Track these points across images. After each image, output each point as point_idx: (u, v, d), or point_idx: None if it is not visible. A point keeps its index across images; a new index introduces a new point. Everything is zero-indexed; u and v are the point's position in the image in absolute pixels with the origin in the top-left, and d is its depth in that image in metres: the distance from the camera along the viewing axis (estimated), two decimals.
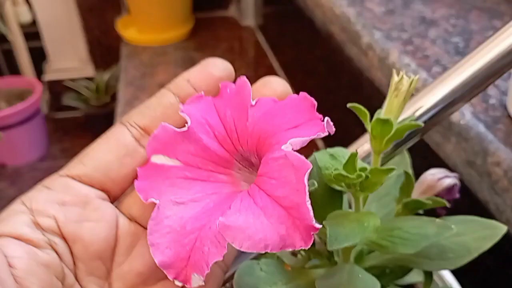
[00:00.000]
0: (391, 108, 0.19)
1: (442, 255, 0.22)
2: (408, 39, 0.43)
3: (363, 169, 0.18)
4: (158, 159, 0.18)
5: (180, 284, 0.16)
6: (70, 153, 1.43)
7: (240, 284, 0.21)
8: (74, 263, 0.17)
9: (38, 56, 1.46)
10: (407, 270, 0.26)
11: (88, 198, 0.17)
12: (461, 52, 0.41)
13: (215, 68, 0.19)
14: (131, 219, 0.18)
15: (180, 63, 1.07)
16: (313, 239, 0.15)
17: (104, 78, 1.37)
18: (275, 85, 0.18)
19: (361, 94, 0.74)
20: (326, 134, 0.15)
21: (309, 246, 0.15)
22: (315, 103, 0.16)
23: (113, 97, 1.33)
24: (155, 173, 0.18)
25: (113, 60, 1.33)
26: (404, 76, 0.19)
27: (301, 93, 0.17)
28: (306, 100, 0.16)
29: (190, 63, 1.06)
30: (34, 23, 1.39)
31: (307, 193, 0.14)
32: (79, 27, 1.37)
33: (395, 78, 0.19)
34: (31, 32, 1.41)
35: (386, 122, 0.18)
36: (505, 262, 0.36)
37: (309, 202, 0.14)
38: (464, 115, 0.33)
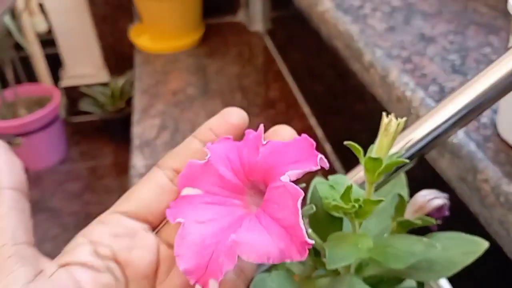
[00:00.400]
0: (382, 146, 0.23)
1: (431, 268, 0.26)
2: (408, 57, 0.46)
3: (356, 200, 0.22)
4: (186, 191, 0.22)
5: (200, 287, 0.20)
6: (88, 156, 1.48)
7: None
8: (127, 283, 0.21)
9: (55, 63, 1.52)
10: (402, 279, 0.29)
11: (135, 230, 0.21)
12: (457, 70, 0.43)
13: (232, 116, 0.22)
14: (168, 245, 0.22)
15: (192, 70, 1.11)
16: (307, 252, 0.18)
17: (119, 84, 1.42)
18: (282, 134, 0.22)
19: (365, 101, 0.77)
20: (319, 168, 0.19)
21: (305, 258, 0.18)
22: (314, 143, 0.20)
23: (128, 102, 1.38)
24: (182, 202, 0.22)
25: (126, 66, 1.38)
26: (393, 118, 0.22)
27: (302, 134, 0.21)
28: (306, 141, 0.20)
29: (202, 69, 1.10)
30: (50, 31, 1.44)
31: (300, 215, 0.18)
32: (94, 35, 1.42)
33: (385, 120, 0.23)
34: (47, 39, 1.46)
35: (376, 160, 0.22)
36: (495, 267, 0.39)
37: (302, 222, 0.18)
38: (457, 134, 0.36)
